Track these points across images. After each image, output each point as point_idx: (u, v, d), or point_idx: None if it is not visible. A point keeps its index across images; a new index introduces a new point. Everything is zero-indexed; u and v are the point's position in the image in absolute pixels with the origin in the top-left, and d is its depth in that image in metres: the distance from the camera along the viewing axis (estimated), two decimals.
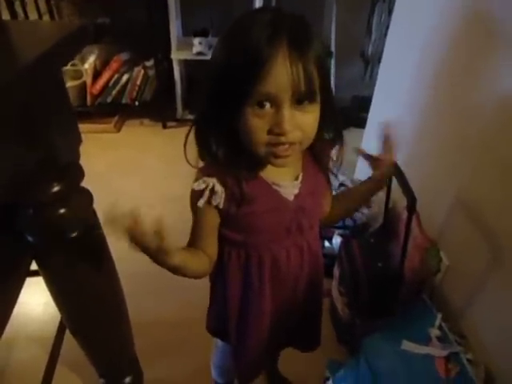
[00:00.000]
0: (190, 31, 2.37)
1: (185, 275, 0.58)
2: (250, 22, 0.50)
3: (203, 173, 0.58)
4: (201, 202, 0.57)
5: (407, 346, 0.91)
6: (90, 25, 0.61)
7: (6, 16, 2.03)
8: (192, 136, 0.58)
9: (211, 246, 0.63)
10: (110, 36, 2.30)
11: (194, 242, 0.62)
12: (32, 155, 0.57)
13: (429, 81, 1.20)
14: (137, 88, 2.40)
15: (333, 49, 2.38)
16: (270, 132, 0.50)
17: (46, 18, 2.32)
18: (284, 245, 0.64)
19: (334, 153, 0.64)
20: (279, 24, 0.48)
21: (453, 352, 0.87)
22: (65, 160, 0.64)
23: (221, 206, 0.58)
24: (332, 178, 0.68)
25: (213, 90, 0.53)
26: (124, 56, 2.41)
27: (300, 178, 0.62)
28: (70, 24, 0.71)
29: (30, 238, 0.66)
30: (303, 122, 0.51)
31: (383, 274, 1.04)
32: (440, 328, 0.94)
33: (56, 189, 0.62)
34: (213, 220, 0.61)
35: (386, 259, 1.08)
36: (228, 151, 0.57)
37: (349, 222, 1.32)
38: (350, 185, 1.40)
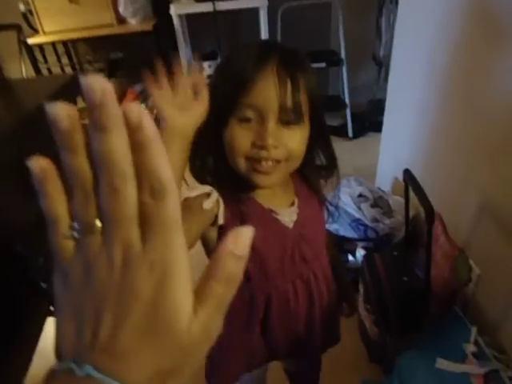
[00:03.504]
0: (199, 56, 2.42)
1: None
2: (244, 46, 0.52)
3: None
4: (208, 204, 0.51)
5: (442, 364, 0.86)
6: (81, 74, 0.62)
7: (26, 60, 2.15)
8: None
9: None
10: (124, 69, 2.39)
11: None
12: (33, 205, 0.59)
13: (441, 81, 1.15)
14: (153, 116, 2.46)
15: (343, 55, 2.35)
16: (253, 145, 0.49)
17: (64, 59, 2.45)
18: (289, 278, 0.61)
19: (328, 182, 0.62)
20: (272, 46, 0.50)
21: (492, 369, 0.81)
22: None
23: (221, 221, 0.54)
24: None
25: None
26: (139, 87, 2.48)
27: (296, 203, 0.60)
28: (64, 76, 0.74)
29: (43, 285, 0.67)
30: (289, 140, 0.50)
31: (409, 288, 0.98)
32: (476, 343, 0.88)
33: None
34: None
35: (412, 272, 1.03)
36: (216, 166, 0.56)
37: (372, 233, 1.27)
38: (369, 196, 1.34)
